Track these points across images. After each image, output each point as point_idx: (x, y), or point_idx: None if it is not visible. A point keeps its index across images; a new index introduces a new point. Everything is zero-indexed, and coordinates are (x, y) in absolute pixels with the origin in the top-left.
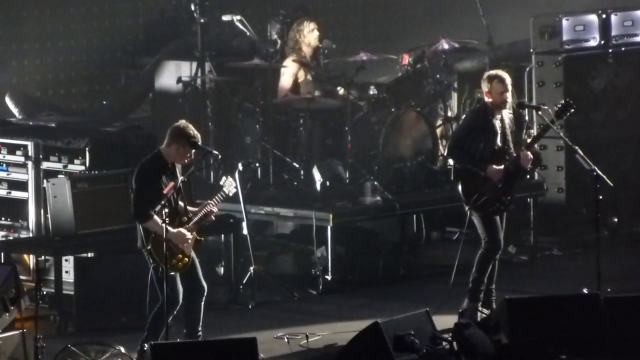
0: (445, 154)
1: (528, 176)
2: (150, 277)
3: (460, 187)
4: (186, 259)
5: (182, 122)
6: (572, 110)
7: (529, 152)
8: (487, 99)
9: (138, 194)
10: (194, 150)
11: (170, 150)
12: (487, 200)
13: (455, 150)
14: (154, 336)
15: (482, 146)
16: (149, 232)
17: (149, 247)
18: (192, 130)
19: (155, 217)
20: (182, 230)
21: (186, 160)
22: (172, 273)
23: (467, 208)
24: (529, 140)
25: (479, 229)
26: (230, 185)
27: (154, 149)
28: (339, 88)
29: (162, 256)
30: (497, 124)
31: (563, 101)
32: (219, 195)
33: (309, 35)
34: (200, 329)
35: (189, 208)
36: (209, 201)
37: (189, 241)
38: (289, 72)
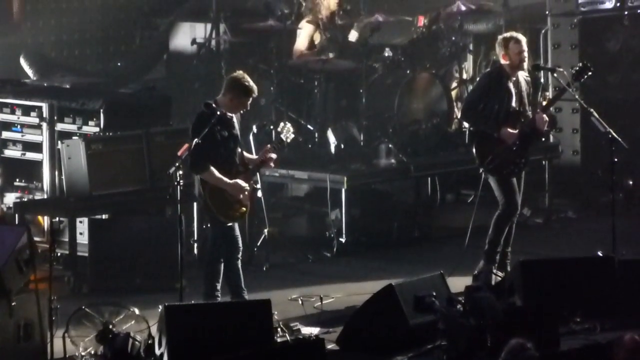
0: (459, 116)
1: (543, 139)
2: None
3: (474, 149)
4: (244, 209)
5: (239, 73)
6: (590, 73)
7: (544, 115)
8: (503, 62)
9: (194, 144)
10: (249, 102)
11: (225, 100)
12: (502, 163)
13: (469, 112)
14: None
15: (496, 108)
16: (205, 182)
17: (206, 198)
18: (248, 81)
19: (212, 168)
20: (238, 180)
21: (241, 111)
22: (230, 224)
23: (481, 170)
24: (544, 103)
25: (495, 191)
26: (288, 131)
27: (168, 110)
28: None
29: (219, 206)
30: (513, 85)
31: (580, 64)
32: (276, 141)
33: None
34: (243, 285)
35: (247, 156)
36: (267, 148)
37: (246, 192)
38: (304, 34)
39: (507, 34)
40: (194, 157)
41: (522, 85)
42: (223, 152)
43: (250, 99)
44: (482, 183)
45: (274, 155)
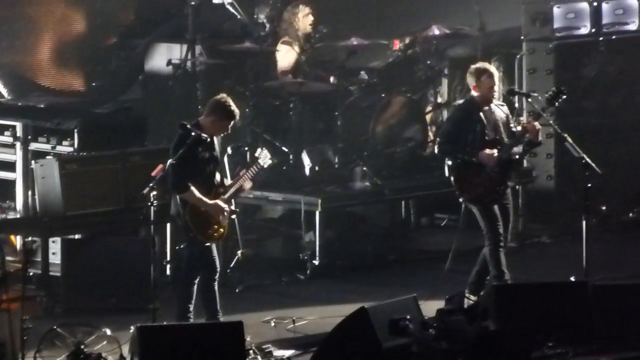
0: (436, 151)
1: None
2: (184, 254)
3: (453, 181)
4: (221, 230)
5: (223, 96)
6: (564, 96)
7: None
8: (474, 93)
9: (175, 165)
10: (230, 125)
11: (206, 122)
12: (482, 192)
13: (444, 145)
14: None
15: (470, 138)
16: (185, 202)
17: (186, 218)
18: (231, 105)
19: (193, 188)
20: (218, 201)
21: (222, 134)
22: (207, 244)
23: (461, 200)
24: (519, 129)
25: (479, 221)
26: (265, 157)
27: (144, 131)
28: (331, 78)
29: (198, 226)
30: (484, 115)
31: (555, 88)
32: (254, 167)
33: (304, 19)
34: (218, 307)
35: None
36: (244, 172)
37: (225, 212)
38: (282, 55)
39: (481, 66)
40: (175, 177)
41: (497, 114)
42: (203, 174)
43: (232, 122)
44: (464, 209)
45: (248, 185)
